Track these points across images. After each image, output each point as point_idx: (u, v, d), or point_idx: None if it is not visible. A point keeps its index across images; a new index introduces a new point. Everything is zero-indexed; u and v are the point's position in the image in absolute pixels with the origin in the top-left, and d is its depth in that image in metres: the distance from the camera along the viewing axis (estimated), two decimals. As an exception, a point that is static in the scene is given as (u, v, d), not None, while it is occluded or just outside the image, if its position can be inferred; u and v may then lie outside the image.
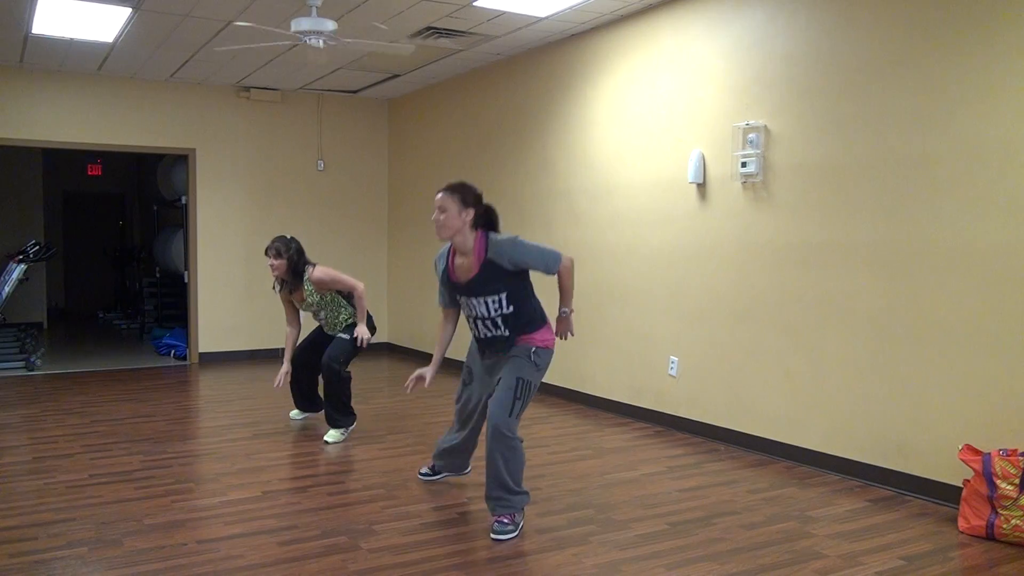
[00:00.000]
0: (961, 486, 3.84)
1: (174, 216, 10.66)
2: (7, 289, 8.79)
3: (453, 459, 4.30)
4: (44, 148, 10.06)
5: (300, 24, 5.08)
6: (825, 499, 4.21)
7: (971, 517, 3.71)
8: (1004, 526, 3.59)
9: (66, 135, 8.14)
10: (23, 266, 8.95)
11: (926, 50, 4.17)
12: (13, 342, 9.20)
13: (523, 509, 3.73)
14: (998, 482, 3.62)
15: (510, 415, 3.63)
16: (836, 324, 4.64)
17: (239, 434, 5.57)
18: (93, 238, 13.76)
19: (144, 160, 12.41)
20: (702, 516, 3.93)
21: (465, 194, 3.65)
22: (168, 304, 10.96)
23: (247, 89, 8.80)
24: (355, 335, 5.26)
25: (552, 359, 3.84)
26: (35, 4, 5.82)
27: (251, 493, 4.27)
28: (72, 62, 7.62)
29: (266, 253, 5.31)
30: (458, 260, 3.74)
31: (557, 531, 3.70)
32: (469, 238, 3.67)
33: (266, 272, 8.89)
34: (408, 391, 4.22)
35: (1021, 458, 3.62)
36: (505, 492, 3.63)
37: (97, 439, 5.37)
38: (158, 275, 10.97)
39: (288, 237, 5.34)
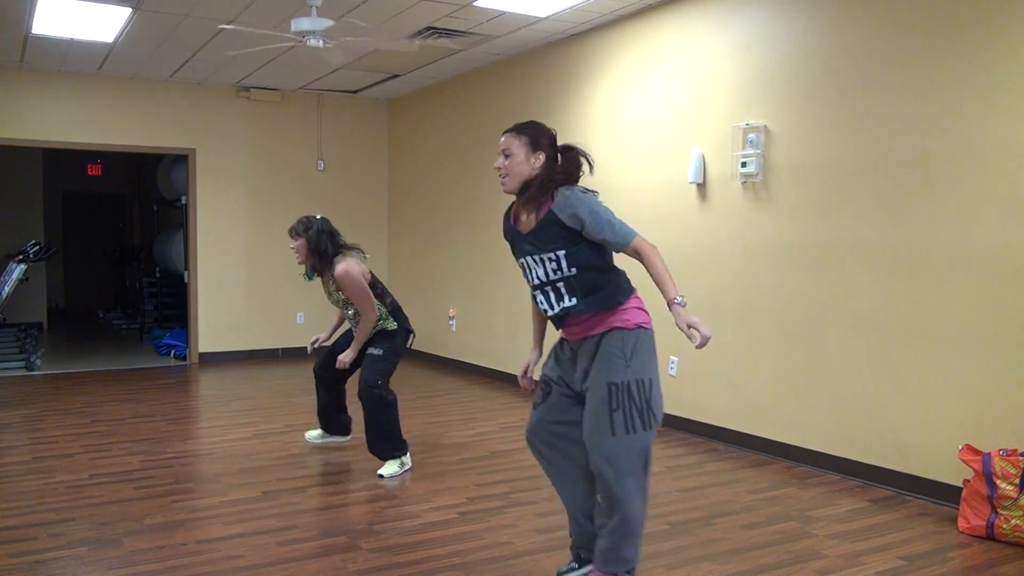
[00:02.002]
0: (961, 486, 3.84)
1: (174, 216, 10.66)
2: (7, 289, 8.78)
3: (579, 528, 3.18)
4: (44, 148, 10.06)
5: (300, 24, 5.08)
6: (825, 499, 4.21)
7: (971, 517, 3.71)
8: (1004, 526, 3.59)
9: (66, 135, 8.14)
10: (23, 266, 8.94)
11: (926, 50, 4.17)
12: (13, 342, 9.20)
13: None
14: (998, 482, 3.62)
15: (613, 434, 2.81)
16: (836, 324, 4.64)
17: (239, 434, 5.57)
18: (93, 238, 13.75)
19: (144, 160, 12.40)
20: (702, 516, 3.93)
21: (537, 135, 3.03)
22: (168, 304, 10.95)
23: (247, 89, 8.80)
24: (387, 345, 4.66)
25: (653, 341, 3.08)
26: (35, 4, 5.82)
27: (251, 493, 4.28)
28: (72, 62, 7.62)
29: (289, 235, 4.70)
30: (522, 215, 3.05)
31: (557, 531, 3.70)
32: (538, 192, 2.98)
33: (266, 272, 8.99)
34: (527, 389, 3.26)
35: (1021, 458, 3.62)
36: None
37: (97, 439, 5.38)
38: (158, 275, 10.97)
39: (311, 216, 4.71)
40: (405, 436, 4.74)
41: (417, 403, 6.60)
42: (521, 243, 3.05)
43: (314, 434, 5.18)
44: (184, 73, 8.05)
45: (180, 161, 9.21)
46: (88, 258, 13.72)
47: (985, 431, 3.93)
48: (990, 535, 3.63)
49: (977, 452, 3.76)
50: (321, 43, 5.13)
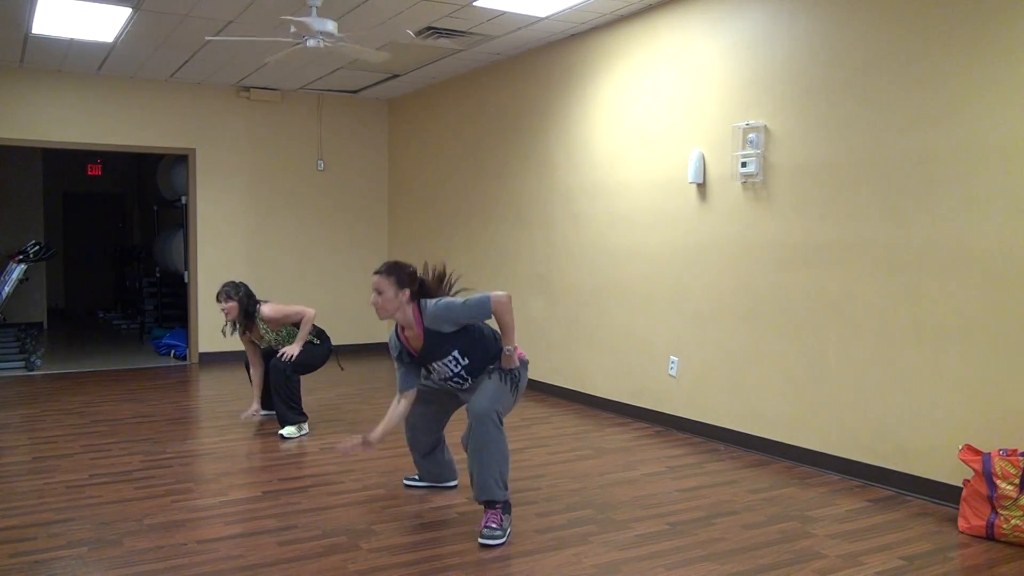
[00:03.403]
0: (961, 486, 3.84)
1: (174, 216, 10.66)
2: (7, 289, 8.78)
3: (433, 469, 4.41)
4: (44, 148, 10.06)
5: (300, 24, 5.07)
6: (825, 499, 4.21)
7: (971, 517, 3.71)
8: (1004, 526, 3.59)
9: (66, 135, 8.14)
10: (23, 266, 8.94)
11: (926, 50, 4.18)
12: (13, 342, 9.20)
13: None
14: (998, 482, 3.62)
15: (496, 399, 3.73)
16: (836, 324, 4.64)
17: (239, 434, 5.57)
18: (93, 238, 13.75)
19: (144, 160, 12.40)
20: (702, 516, 3.93)
21: (400, 274, 3.75)
22: (168, 304, 10.95)
23: (247, 89, 8.80)
24: (282, 352, 5.43)
25: (526, 372, 3.97)
26: (35, 4, 5.82)
27: (251, 493, 4.28)
28: (72, 62, 7.62)
29: (217, 299, 5.52)
30: (407, 333, 3.81)
31: (557, 531, 3.70)
32: (408, 312, 3.74)
33: (266, 272, 8.99)
34: (345, 454, 4.42)
35: (1021, 458, 3.62)
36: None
37: (97, 439, 5.38)
38: (158, 275, 10.97)
39: (236, 281, 5.59)
40: (404, 435, 4.74)
41: (417, 403, 6.60)
42: (421, 357, 3.81)
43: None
44: (184, 73, 8.05)
45: (180, 161, 9.21)
46: (88, 258, 13.72)
47: (985, 431, 3.93)
48: (990, 535, 3.63)
49: (977, 452, 3.76)
50: (321, 43, 5.13)
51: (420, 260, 9.56)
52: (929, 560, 3.43)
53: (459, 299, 3.73)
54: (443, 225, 8.57)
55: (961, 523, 3.75)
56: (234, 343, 8.97)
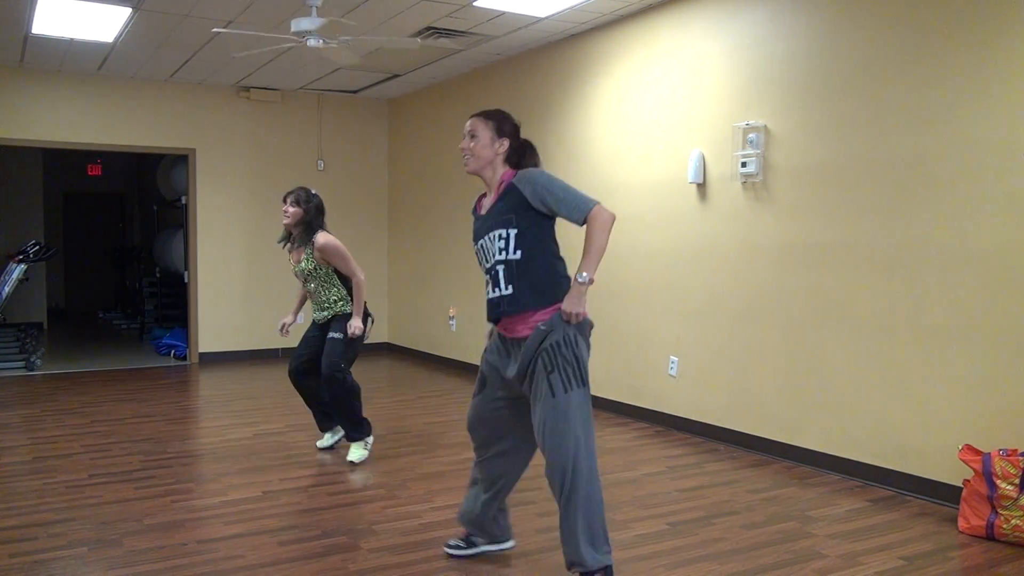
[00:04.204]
0: (961, 486, 3.84)
1: (174, 216, 10.66)
2: (7, 289, 8.78)
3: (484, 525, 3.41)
4: (44, 148, 10.06)
5: (300, 24, 5.08)
6: (825, 499, 4.21)
7: (971, 517, 3.71)
8: (1004, 526, 3.59)
9: (66, 135, 8.14)
10: (23, 266, 8.94)
11: (926, 50, 4.17)
12: (13, 342, 9.20)
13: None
14: (998, 482, 3.62)
15: (553, 395, 2.87)
16: (836, 324, 4.64)
17: (239, 434, 5.57)
18: (93, 238, 13.75)
19: (144, 160, 12.40)
20: (702, 516, 3.93)
21: (502, 121, 3.14)
22: (168, 304, 10.96)
23: (247, 89, 8.80)
24: (347, 327, 4.78)
25: (590, 333, 3.03)
26: (35, 4, 5.82)
27: (251, 493, 4.28)
28: (72, 62, 7.62)
29: (284, 199, 4.89)
30: (485, 200, 3.17)
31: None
32: (499, 173, 3.10)
33: (266, 272, 8.98)
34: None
35: (1021, 458, 3.62)
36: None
37: (97, 439, 5.38)
38: (158, 275, 10.97)
39: (310, 190, 4.95)
40: (405, 436, 4.75)
41: (417, 403, 6.60)
42: (479, 224, 3.12)
43: (322, 441, 5.21)
44: (184, 73, 8.05)
45: (180, 161, 9.21)
46: (88, 258, 13.72)
47: (985, 431, 3.93)
48: (990, 535, 3.63)
49: (977, 452, 3.76)
50: (321, 43, 5.13)
51: (419, 260, 9.58)
52: (929, 560, 3.43)
53: (562, 181, 3.01)
54: (444, 224, 8.57)
55: (961, 523, 3.75)
56: (234, 343, 9.06)
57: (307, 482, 4.52)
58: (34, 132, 8.00)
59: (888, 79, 4.35)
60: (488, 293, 3.05)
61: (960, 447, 3.87)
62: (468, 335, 8.20)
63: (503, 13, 5.94)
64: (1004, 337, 3.88)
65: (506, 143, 3.10)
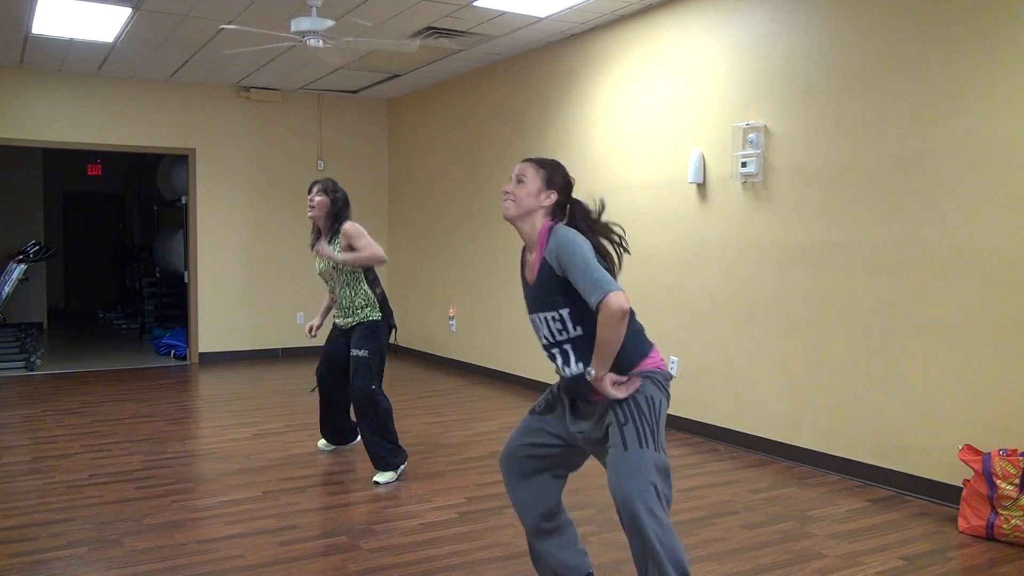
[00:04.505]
0: (961, 486, 3.84)
1: (174, 216, 10.66)
2: (7, 289, 8.79)
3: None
4: (44, 148, 10.06)
5: (300, 24, 5.08)
6: (825, 499, 4.21)
7: (971, 517, 3.71)
8: (1004, 526, 3.59)
9: (66, 135, 8.14)
10: (23, 266, 8.95)
11: (926, 50, 4.18)
12: (13, 342, 9.20)
13: None
14: (998, 482, 3.62)
15: (625, 448, 2.56)
16: (836, 324, 4.64)
17: (239, 434, 5.57)
18: (93, 238, 13.75)
19: (144, 160, 12.40)
20: (702, 516, 3.93)
21: (554, 173, 2.84)
22: (168, 304, 10.95)
23: (247, 89, 8.79)
24: (370, 343, 4.56)
25: (666, 387, 2.72)
26: (35, 4, 5.82)
27: (251, 493, 4.27)
28: (72, 62, 7.62)
29: (309, 189, 4.74)
30: (528, 256, 2.86)
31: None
32: (536, 226, 2.78)
33: (266, 272, 8.98)
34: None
35: (1021, 458, 3.62)
36: None
37: (97, 439, 5.37)
38: (158, 275, 10.97)
39: (336, 182, 4.83)
40: (405, 436, 4.73)
41: (417, 403, 6.60)
42: (528, 296, 2.83)
43: (322, 443, 5.16)
44: (184, 73, 8.05)
45: (180, 161, 9.21)
46: (88, 258, 13.72)
47: (985, 431, 3.93)
48: (990, 535, 3.63)
49: (977, 452, 3.76)
50: (321, 43, 5.13)
51: (420, 260, 9.55)
52: (929, 560, 3.43)
53: (588, 254, 2.63)
54: (443, 225, 8.57)
55: (961, 523, 3.75)
56: (234, 343, 9.05)
57: (307, 482, 4.52)
58: (34, 132, 8.00)
59: (888, 79, 4.35)
60: (558, 368, 2.77)
61: (960, 447, 3.87)
62: (468, 335, 8.20)
63: (503, 13, 5.94)
64: (1004, 337, 3.88)
65: (554, 196, 2.80)
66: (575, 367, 2.70)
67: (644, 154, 5.96)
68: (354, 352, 4.58)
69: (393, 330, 4.81)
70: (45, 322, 11.75)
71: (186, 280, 8.87)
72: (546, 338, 2.77)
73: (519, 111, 7.30)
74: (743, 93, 5.17)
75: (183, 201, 9.00)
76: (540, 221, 2.79)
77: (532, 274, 2.78)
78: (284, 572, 3.25)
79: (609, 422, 2.62)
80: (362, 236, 4.64)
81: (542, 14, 5.99)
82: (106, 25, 6.32)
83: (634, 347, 2.66)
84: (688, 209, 5.58)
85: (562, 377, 2.78)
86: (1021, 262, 3.81)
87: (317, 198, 4.68)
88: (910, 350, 4.27)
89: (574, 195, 2.87)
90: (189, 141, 8.64)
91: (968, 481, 3.76)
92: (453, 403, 6.67)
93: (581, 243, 2.66)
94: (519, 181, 2.85)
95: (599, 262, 2.63)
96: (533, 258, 2.79)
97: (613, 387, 2.59)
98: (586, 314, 2.62)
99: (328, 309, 5.06)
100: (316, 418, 5.11)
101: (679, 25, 5.65)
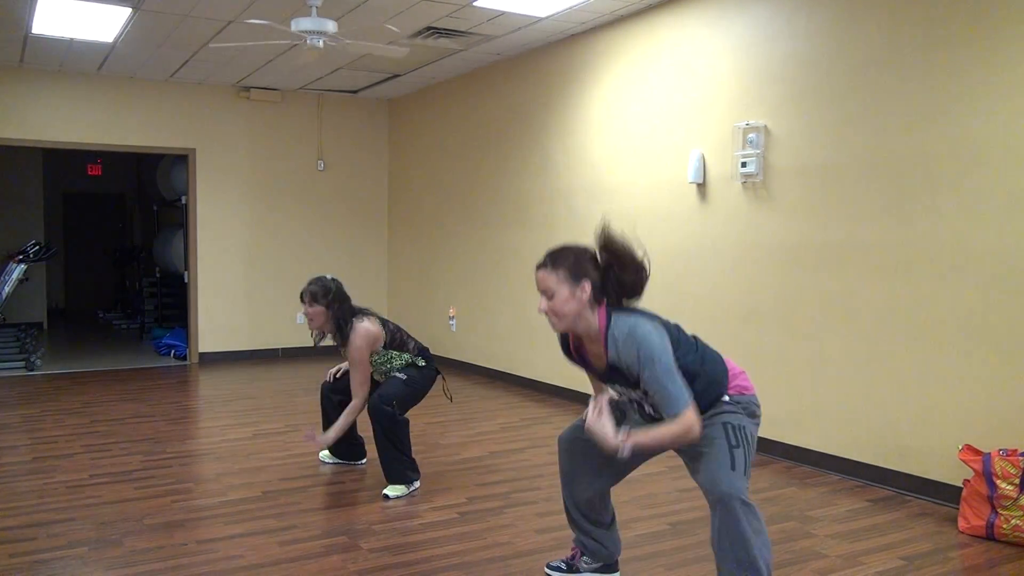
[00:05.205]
0: (961, 486, 3.84)
1: (174, 216, 10.66)
2: (7, 289, 8.79)
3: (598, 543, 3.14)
4: (44, 148, 10.06)
5: (300, 24, 5.08)
6: (825, 499, 4.21)
7: (971, 517, 3.71)
8: (1004, 526, 3.59)
9: (66, 135, 8.14)
10: (23, 266, 8.95)
11: (926, 50, 4.17)
12: (13, 342, 9.20)
13: None
14: (998, 482, 3.62)
15: (733, 469, 2.63)
16: (836, 324, 4.64)
17: (239, 434, 5.57)
18: (93, 238, 13.75)
19: (144, 160, 12.41)
20: (702, 516, 3.93)
21: (572, 263, 2.66)
22: (168, 304, 10.96)
23: (247, 89, 8.80)
24: (410, 372, 4.31)
25: (758, 408, 2.84)
26: (35, 4, 5.82)
27: (251, 493, 4.27)
28: (72, 62, 7.62)
29: (301, 298, 4.32)
30: (589, 347, 2.76)
31: (557, 531, 3.70)
32: (592, 321, 2.64)
33: (266, 272, 8.99)
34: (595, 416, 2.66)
35: (1021, 458, 3.62)
36: None
37: (97, 439, 5.38)
38: (158, 275, 10.97)
39: (328, 278, 4.33)
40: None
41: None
42: (606, 377, 2.78)
43: (325, 453, 4.91)
44: (184, 73, 8.05)
45: (180, 161, 9.21)
46: (88, 258, 13.72)
47: (985, 431, 3.93)
48: (990, 535, 3.63)
49: (977, 452, 3.76)
50: (321, 43, 5.14)
51: (420, 260, 9.58)
52: (929, 560, 3.43)
53: (661, 357, 2.55)
54: (443, 225, 8.57)
55: (961, 523, 3.75)
56: (234, 343, 9.06)
57: (307, 482, 4.51)
58: (34, 132, 8.00)
59: (888, 79, 4.35)
60: (630, 400, 2.83)
61: (960, 447, 3.87)
62: (468, 335, 8.20)
63: (503, 13, 5.94)
64: (1004, 337, 3.88)
65: (587, 286, 2.63)
66: (634, 423, 2.76)
67: (644, 154, 5.96)
68: (394, 374, 4.34)
69: (439, 376, 4.54)
70: (45, 322, 11.76)
71: (186, 280, 8.87)
72: (630, 397, 2.76)
73: (519, 111, 7.30)
74: (743, 93, 5.17)
75: (183, 201, 9.00)
76: (592, 315, 2.65)
77: (602, 364, 2.69)
78: (284, 572, 3.25)
79: (718, 436, 2.65)
80: (355, 366, 4.26)
81: (542, 14, 5.99)
82: (106, 25, 6.32)
83: (714, 377, 2.70)
84: (688, 209, 5.58)
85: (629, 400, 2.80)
86: (1021, 262, 3.81)
87: (309, 310, 4.25)
88: (910, 350, 4.27)
89: (595, 243, 2.78)
90: (189, 141, 8.64)
91: (968, 481, 3.76)
92: (453, 403, 6.66)
93: (651, 342, 2.55)
94: (548, 297, 2.66)
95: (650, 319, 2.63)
96: (599, 351, 2.67)
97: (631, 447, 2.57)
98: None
99: (349, 421, 4.50)
100: (316, 418, 5.06)
101: (679, 25, 5.65)
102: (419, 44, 6.74)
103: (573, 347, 2.81)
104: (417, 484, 4.35)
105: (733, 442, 2.64)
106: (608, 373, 2.68)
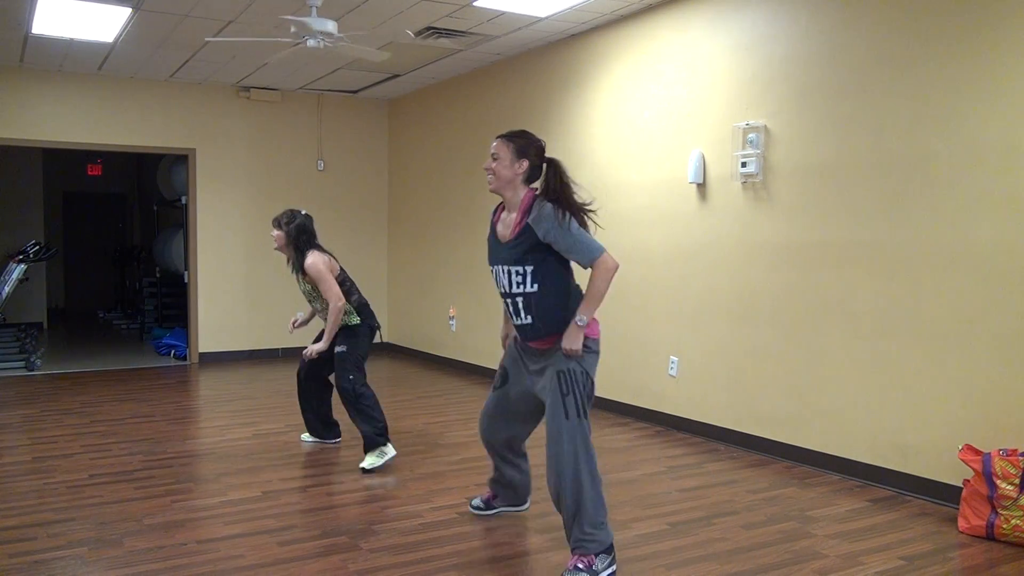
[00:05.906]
0: (961, 486, 3.84)
1: (174, 216, 10.67)
2: (7, 289, 8.79)
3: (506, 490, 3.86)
4: (44, 148, 10.07)
5: (300, 24, 5.08)
6: (825, 499, 4.21)
7: (971, 517, 3.71)
8: (1004, 526, 3.59)
9: (66, 135, 8.14)
10: (23, 266, 8.95)
11: (926, 50, 4.18)
12: (13, 342, 9.20)
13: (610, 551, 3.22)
14: (998, 482, 3.62)
15: (567, 417, 3.16)
16: (836, 324, 4.64)
17: (239, 434, 5.57)
18: (93, 238, 13.76)
19: (144, 160, 12.41)
20: (702, 516, 3.93)
21: (522, 143, 3.25)
22: (168, 304, 10.96)
23: (247, 89, 8.80)
24: (350, 340, 4.80)
25: (598, 354, 3.30)
26: (35, 4, 5.82)
27: (251, 493, 4.28)
28: (72, 62, 7.62)
29: (272, 223, 4.99)
30: (504, 215, 3.33)
31: (557, 531, 3.69)
32: (519, 193, 3.25)
33: (266, 272, 8.98)
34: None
35: (1021, 458, 3.62)
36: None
37: (97, 439, 5.38)
38: (158, 275, 10.97)
39: (302, 212, 4.97)
40: (405, 436, 4.74)
41: (417, 403, 6.60)
42: (497, 251, 3.33)
43: (306, 435, 5.38)
44: (184, 73, 8.05)
45: (180, 161, 9.21)
46: (88, 258, 13.72)
47: (985, 431, 3.93)
48: (990, 535, 3.63)
49: (977, 452, 3.76)
50: (321, 43, 5.14)
51: (420, 260, 9.56)
52: (929, 560, 3.43)
53: (576, 224, 3.13)
54: (444, 224, 8.57)
55: (961, 523, 3.75)
56: (234, 343, 9.05)
57: (307, 482, 4.52)
58: (34, 132, 8.00)
59: (888, 79, 4.35)
60: (511, 318, 3.35)
61: (960, 447, 3.87)
62: (468, 335, 8.20)
63: (503, 13, 5.94)
64: (1004, 337, 3.88)
65: (525, 164, 3.24)
66: (524, 319, 3.25)
67: (644, 154, 5.96)
68: (336, 349, 4.83)
69: (376, 330, 5.01)
70: (45, 322, 11.76)
71: (186, 280, 8.87)
72: (504, 287, 3.29)
73: (519, 111, 7.30)
74: (743, 93, 5.17)
75: (183, 201, 9.00)
76: (521, 188, 3.26)
77: (509, 232, 3.25)
78: (284, 572, 3.25)
79: (552, 388, 3.19)
80: (322, 280, 4.73)
81: (542, 14, 5.99)
82: (106, 25, 6.32)
83: (574, 305, 3.20)
84: (688, 209, 5.58)
85: (515, 324, 3.34)
86: (1021, 262, 3.81)
87: (274, 232, 4.88)
88: (910, 350, 4.27)
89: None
90: (189, 141, 8.64)
91: (968, 481, 3.76)
92: (453, 403, 6.67)
93: (563, 217, 3.12)
94: (495, 157, 3.27)
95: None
96: (512, 218, 3.25)
97: (570, 336, 3.14)
98: (542, 275, 3.18)
99: (311, 316, 5.26)
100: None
101: (679, 25, 5.65)
102: (419, 44, 6.74)
103: (495, 215, 3.41)
104: (390, 451, 4.75)
105: (564, 390, 3.18)
106: (510, 244, 3.21)
